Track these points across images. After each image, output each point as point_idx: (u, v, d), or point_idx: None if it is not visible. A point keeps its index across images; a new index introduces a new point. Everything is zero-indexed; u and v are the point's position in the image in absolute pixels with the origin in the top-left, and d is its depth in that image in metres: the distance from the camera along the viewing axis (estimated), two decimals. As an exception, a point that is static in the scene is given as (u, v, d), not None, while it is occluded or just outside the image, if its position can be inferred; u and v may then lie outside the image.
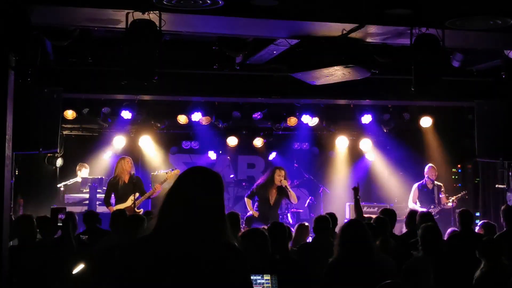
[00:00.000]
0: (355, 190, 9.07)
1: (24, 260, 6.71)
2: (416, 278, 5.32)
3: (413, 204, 12.07)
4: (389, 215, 8.00)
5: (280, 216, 11.73)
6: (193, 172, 3.12)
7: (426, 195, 12.13)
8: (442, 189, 12.15)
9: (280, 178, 11.13)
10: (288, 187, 11.22)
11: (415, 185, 12.26)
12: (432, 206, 11.80)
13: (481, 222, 8.99)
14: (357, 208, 8.86)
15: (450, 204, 12.01)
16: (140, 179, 10.99)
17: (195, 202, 2.98)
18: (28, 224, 7.14)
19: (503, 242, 6.47)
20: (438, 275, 4.28)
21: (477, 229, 8.67)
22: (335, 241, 5.46)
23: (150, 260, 2.90)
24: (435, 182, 12.15)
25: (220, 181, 3.09)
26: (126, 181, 10.84)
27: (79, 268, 6.32)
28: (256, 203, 11.44)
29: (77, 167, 12.57)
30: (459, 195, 12.22)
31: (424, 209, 11.32)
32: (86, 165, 12.73)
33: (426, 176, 12.19)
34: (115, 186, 10.87)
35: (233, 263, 2.96)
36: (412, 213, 8.85)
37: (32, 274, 6.54)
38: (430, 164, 12.43)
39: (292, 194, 11.23)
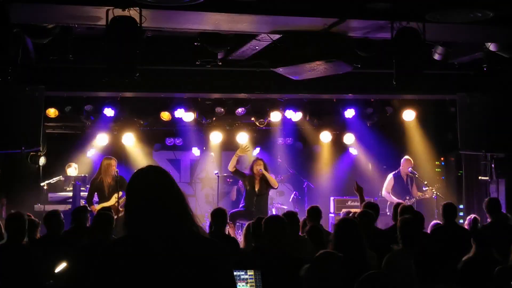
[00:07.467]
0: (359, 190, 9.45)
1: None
2: (395, 271, 5.34)
3: (386, 193, 12.09)
4: (372, 209, 8.04)
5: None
6: (141, 173, 3.06)
7: (401, 185, 12.10)
8: (414, 181, 12.14)
9: (257, 167, 11.22)
10: (265, 172, 11.22)
11: (390, 175, 12.25)
12: (407, 198, 11.77)
13: (469, 217, 8.99)
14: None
15: (427, 196, 11.97)
16: (123, 179, 10.89)
17: (155, 201, 2.93)
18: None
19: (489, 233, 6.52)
20: (419, 268, 4.29)
21: (466, 223, 8.69)
22: (330, 237, 5.55)
23: (128, 262, 2.86)
24: (408, 174, 12.11)
25: (168, 174, 3.04)
26: (110, 182, 10.79)
27: (61, 267, 6.27)
28: (243, 195, 11.53)
29: (66, 166, 12.52)
30: (432, 189, 12.04)
31: (396, 200, 11.36)
32: (75, 164, 12.66)
33: (401, 167, 12.17)
34: (98, 186, 10.82)
35: (215, 258, 2.93)
36: (397, 206, 8.86)
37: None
38: (406, 156, 12.43)
39: (271, 179, 11.28)
